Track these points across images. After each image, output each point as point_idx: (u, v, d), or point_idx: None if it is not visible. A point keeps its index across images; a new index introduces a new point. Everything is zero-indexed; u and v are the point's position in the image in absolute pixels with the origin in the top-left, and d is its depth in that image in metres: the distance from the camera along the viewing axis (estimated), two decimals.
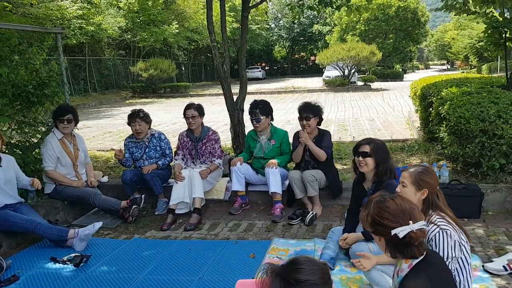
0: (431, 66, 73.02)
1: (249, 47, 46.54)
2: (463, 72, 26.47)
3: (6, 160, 3.95)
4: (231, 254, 3.61)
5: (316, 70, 48.96)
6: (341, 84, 23.11)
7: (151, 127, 4.99)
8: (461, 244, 2.10)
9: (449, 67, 58.12)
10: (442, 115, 4.76)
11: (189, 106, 4.75)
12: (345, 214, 4.26)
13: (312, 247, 3.66)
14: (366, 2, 5.53)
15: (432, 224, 2.16)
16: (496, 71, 27.24)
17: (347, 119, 11.89)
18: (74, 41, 18.29)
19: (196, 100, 5.49)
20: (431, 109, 5.51)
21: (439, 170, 4.33)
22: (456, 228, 2.14)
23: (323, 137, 4.39)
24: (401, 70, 38.49)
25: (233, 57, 47.74)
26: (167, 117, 14.60)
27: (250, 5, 5.74)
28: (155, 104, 20.24)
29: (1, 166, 3.86)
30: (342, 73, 24.30)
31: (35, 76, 4.92)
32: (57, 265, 3.52)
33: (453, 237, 2.08)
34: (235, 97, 5.90)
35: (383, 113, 12.94)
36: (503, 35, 4.77)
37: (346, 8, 5.39)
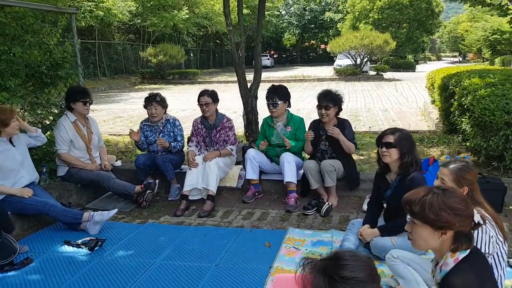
0: (443, 58, 72.01)
1: None
2: (475, 64, 26.03)
3: (17, 138, 3.88)
4: (247, 242, 3.55)
5: (326, 59, 48.48)
6: (352, 73, 22.82)
7: (166, 112, 4.92)
8: (497, 240, 2.01)
9: (461, 59, 57.28)
10: (465, 106, 4.62)
11: (203, 93, 4.65)
12: (363, 206, 4.22)
13: (330, 238, 3.59)
14: None
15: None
16: (510, 64, 26.76)
17: (360, 109, 11.74)
18: (83, 24, 18.15)
19: (204, 87, 5.40)
20: (452, 100, 5.37)
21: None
22: (492, 223, 2.06)
23: (343, 127, 4.27)
24: (413, 60, 37.99)
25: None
26: (176, 103, 14.51)
27: None
28: (163, 91, 20.13)
29: (14, 146, 3.81)
30: (354, 62, 24.00)
31: (49, 57, 4.86)
32: (71, 249, 3.49)
33: (488, 233, 2.00)
34: (248, 84, 5.79)
35: (396, 103, 12.77)
36: None
37: None
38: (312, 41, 55.05)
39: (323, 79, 23.09)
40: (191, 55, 35.37)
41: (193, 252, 3.40)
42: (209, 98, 4.57)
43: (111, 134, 8.01)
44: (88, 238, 3.58)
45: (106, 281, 2.99)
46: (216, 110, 4.71)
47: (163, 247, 3.50)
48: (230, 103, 13.79)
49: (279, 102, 4.48)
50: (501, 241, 2.04)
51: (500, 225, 2.13)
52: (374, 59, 29.78)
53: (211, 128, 4.69)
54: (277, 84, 4.68)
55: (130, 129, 4.89)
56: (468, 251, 1.66)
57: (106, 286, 2.93)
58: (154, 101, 4.75)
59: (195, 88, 20.77)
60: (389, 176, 3.29)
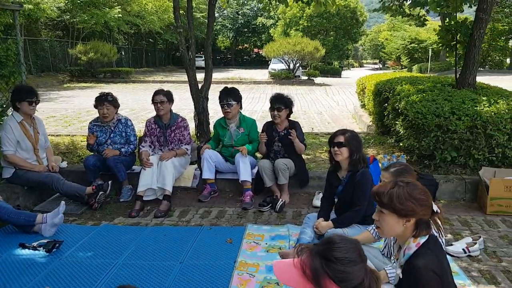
0: (364, 65, 76.18)
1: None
2: (394, 71, 27.98)
3: None
4: (208, 240, 3.67)
5: (259, 62, 49.32)
6: (286, 78, 23.58)
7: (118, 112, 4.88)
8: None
9: (381, 66, 61.01)
10: (399, 110, 5.11)
11: (157, 92, 4.69)
12: (313, 201, 4.52)
13: (286, 232, 3.82)
14: None
15: None
16: (427, 71, 29.13)
17: (296, 111, 12.18)
18: (10, 20, 16.95)
19: (139, 87, 5.46)
20: (386, 104, 5.87)
21: (397, 161, 4.66)
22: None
23: (294, 128, 4.53)
24: (339, 67, 39.89)
25: (175, 43, 46.82)
26: None
27: None
28: (95, 89, 19.36)
29: None
30: (287, 67, 24.78)
31: None
32: (28, 251, 3.38)
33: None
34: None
35: (329, 107, 13.45)
36: (455, 38, 5.20)
37: (315, 3, 5.58)
38: (245, 45, 55.78)
39: (259, 82, 23.54)
40: (123, 53, 34.31)
41: (156, 252, 3.44)
42: (164, 97, 4.61)
43: (49, 135, 7.64)
44: (45, 240, 3.49)
45: (70, 282, 2.96)
46: (171, 110, 4.76)
47: (123, 247, 3.50)
48: None
49: (233, 103, 4.66)
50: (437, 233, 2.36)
51: (440, 219, 2.46)
52: (304, 65, 30.95)
53: (165, 127, 4.73)
54: (230, 86, 4.85)
55: (88, 134, 4.78)
56: (427, 236, 1.94)
57: (72, 286, 2.91)
58: (106, 101, 4.69)
59: (130, 87, 20.20)
60: (340, 173, 3.58)
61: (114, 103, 4.74)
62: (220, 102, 4.71)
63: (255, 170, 4.72)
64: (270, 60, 27.77)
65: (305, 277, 1.41)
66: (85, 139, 7.00)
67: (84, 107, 13.10)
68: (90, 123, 4.89)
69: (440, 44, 5.48)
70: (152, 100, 4.66)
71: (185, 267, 3.19)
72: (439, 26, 5.65)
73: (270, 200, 4.43)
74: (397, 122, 5.25)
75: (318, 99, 15.97)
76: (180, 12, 5.62)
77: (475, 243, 3.41)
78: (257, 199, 4.55)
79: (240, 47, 57.32)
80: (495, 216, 4.15)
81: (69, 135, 7.52)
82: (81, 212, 4.33)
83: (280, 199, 4.42)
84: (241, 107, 4.83)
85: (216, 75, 29.98)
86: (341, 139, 3.42)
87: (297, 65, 24.76)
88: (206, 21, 6.28)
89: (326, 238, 1.55)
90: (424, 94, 5.01)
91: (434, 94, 4.99)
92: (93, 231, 3.82)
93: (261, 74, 29.83)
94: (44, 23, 23.43)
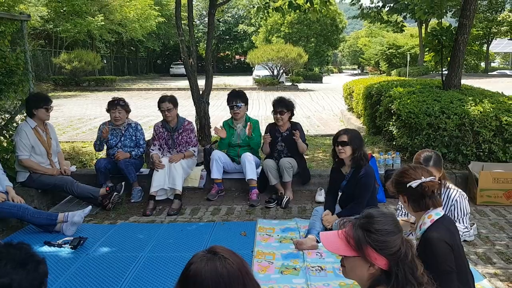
0: (343, 71, 77.32)
1: (174, 42, 45.90)
2: (373, 76, 28.57)
3: None
4: (223, 233, 3.91)
5: (241, 69, 49.65)
6: (270, 84, 23.94)
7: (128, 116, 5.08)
8: None
9: (360, 71, 62.08)
10: (392, 111, 5.45)
11: (163, 99, 4.89)
12: (316, 197, 4.80)
13: (295, 225, 4.09)
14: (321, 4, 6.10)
15: (451, 189, 2.92)
16: (405, 76, 29.92)
17: None
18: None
19: (125, 94, 5.65)
20: (378, 106, 6.23)
21: (393, 158, 5.00)
22: None
23: (296, 129, 4.81)
24: (319, 72, 40.57)
25: (157, 51, 46.83)
26: (99, 110, 14.15)
27: (217, 2, 6.00)
28: (81, 98, 19.35)
29: None
30: (271, 73, 25.16)
31: (4, 63, 4.77)
32: (53, 249, 3.55)
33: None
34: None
35: (315, 111, 13.82)
36: (441, 42, 5.60)
37: (312, 11, 5.91)
38: (227, 52, 56.06)
39: (244, 88, 23.75)
40: (105, 61, 34.21)
41: (176, 245, 3.66)
42: (170, 103, 4.83)
43: None
44: (69, 238, 3.67)
45: (100, 276, 3.14)
46: (177, 114, 4.99)
47: (144, 242, 3.71)
48: (156, 109, 13.79)
49: (241, 105, 4.93)
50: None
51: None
52: (286, 71, 31.44)
53: (173, 131, 4.95)
54: (237, 89, 5.13)
55: (104, 128, 4.89)
56: (442, 213, 2.23)
57: (102, 280, 3.09)
58: (118, 105, 4.90)
59: (113, 95, 20.09)
60: (343, 169, 3.88)
61: (126, 107, 4.94)
62: (228, 104, 4.97)
63: (259, 170, 4.98)
64: (254, 67, 28.12)
65: (349, 245, 1.66)
66: (85, 145, 7.20)
67: (74, 115, 13.15)
68: (101, 124, 5.06)
69: (427, 49, 5.86)
70: (159, 107, 4.87)
71: None
72: (428, 31, 6.03)
73: (276, 197, 4.69)
74: (389, 122, 5.59)
75: (304, 104, 16.35)
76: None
77: (470, 230, 3.73)
78: (262, 197, 4.80)
79: (221, 54, 57.59)
80: (484, 206, 4.50)
81: (68, 141, 7.63)
82: (96, 213, 4.50)
83: (285, 196, 4.68)
84: (247, 109, 5.10)
85: (200, 82, 30.07)
86: (344, 138, 3.72)
87: (281, 71, 25.16)
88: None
89: (366, 213, 1.74)
90: (415, 96, 5.37)
91: (424, 95, 5.36)
92: (112, 229, 4.01)
93: (244, 81, 30.16)
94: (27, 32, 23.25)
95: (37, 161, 4.54)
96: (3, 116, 5.07)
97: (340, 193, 3.92)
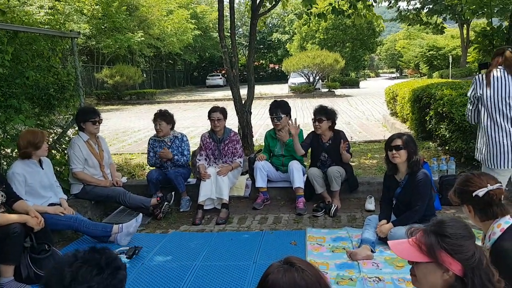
0: (381, 74, 75.89)
1: (209, 54, 46.75)
2: (415, 79, 27.87)
3: (45, 161, 4.04)
4: (273, 242, 3.90)
5: (275, 78, 49.75)
6: (307, 91, 23.88)
7: (174, 128, 5.17)
8: None
9: (398, 75, 60.78)
10: (443, 114, 5.28)
11: (214, 109, 4.98)
12: (366, 205, 4.70)
13: (346, 234, 4.01)
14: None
15: None
16: (448, 78, 29.04)
17: None
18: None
19: (165, 107, 5.70)
20: (428, 109, 6.05)
21: (447, 164, 4.83)
22: None
23: (339, 137, 4.72)
24: (356, 77, 40.06)
25: (193, 64, 47.78)
26: (142, 123, 14.56)
27: (259, 12, 6.06)
28: (123, 111, 20.01)
29: (43, 168, 3.95)
30: (307, 80, 25.08)
31: (56, 79, 5.00)
32: None
33: None
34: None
35: (355, 117, 13.63)
36: (492, 42, 5.39)
37: (356, 15, 5.88)
38: (261, 61, 56.44)
39: (280, 96, 23.89)
40: (145, 75, 35.27)
41: (228, 254, 3.69)
42: (220, 114, 4.91)
43: None
44: (125, 248, 3.76)
45: (157, 285, 3.20)
46: (225, 125, 5.04)
47: (197, 251, 3.76)
48: (195, 120, 14.10)
49: (282, 116, 4.91)
50: None
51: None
52: (322, 77, 31.26)
53: (219, 141, 5.01)
54: (279, 99, 5.12)
55: (162, 151, 5.01)
56: (511, 221, 2.13)
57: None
58: (158, 117, 5.03)
59: (154, 108, 20.50)
60: (398, 176, 3.76)
61: (166, 118, 5.03)
62: (270, 115, 4.98)
63: (304, 178, 4.94)
64: (289, 75, 28.14)
65: (421, 251, 1.62)
66: (132, 157, 7.41)
67: (118, 128, 13.60)
68: (151, 138, 5.20)
69: (476, 50, 5.67)
70: (209, 117, 4.96)
71: (259, 266, 3.42)
72: (478, 31, 5.84)
73: (324, 206, 4.63)
74: (441, 126, 5.41)
75: (343, 110, 16.15)
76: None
77: None
78: (308, 205, 4.75)
79: (256, 63, 58.05)
80: None
81: (117, 153, 7.87)
82: (148, 222, 4.61)
83: (333, 205, 4.61)
84: (290, 118, 5.06)
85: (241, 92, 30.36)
86: (399, 142, 3.60)
87: (317, 77, 25.04)
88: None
89: (437, 219, 1.73)
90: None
91: None
92: (165, 238, 4.09)
93: (278, 89, 30.25)
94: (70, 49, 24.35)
95: (90, 173, 4.70)
96: (55, 131, 5.29)
97: (394, 201, 3.82)
